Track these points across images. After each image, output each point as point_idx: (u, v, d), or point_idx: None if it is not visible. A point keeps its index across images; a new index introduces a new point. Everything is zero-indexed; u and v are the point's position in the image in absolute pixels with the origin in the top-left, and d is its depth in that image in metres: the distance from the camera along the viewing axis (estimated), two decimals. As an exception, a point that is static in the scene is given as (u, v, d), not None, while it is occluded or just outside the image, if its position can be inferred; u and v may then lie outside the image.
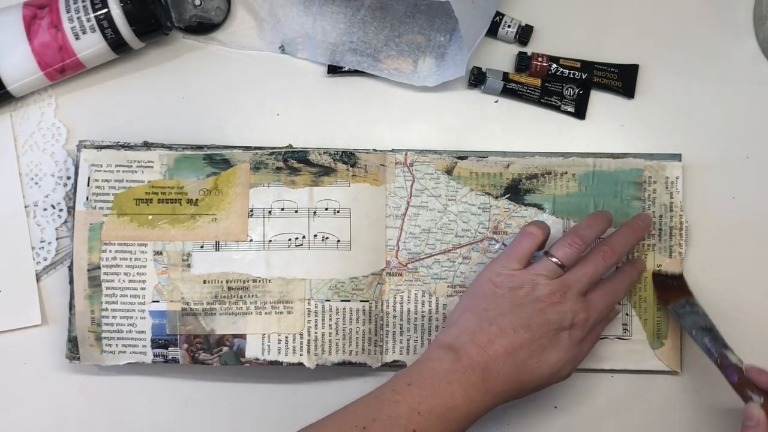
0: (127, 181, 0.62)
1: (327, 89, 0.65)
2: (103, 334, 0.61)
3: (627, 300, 0.63)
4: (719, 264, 0.64)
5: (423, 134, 0.65)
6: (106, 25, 0.60)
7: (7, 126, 0.64)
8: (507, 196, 0.63)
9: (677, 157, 0.63)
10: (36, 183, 0.63)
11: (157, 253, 0.61)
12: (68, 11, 0.60)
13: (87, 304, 0.61)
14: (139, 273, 0.61)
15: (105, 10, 0.60)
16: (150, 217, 0.61)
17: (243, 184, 0.62)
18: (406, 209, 0.63)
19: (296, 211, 0.62)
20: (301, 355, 0.61)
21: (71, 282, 0.61)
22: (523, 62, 0.64)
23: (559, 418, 0.63)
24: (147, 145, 0.62)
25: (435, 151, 0.63)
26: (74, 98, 0.65)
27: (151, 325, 0.61)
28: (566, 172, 0.63)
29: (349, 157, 0.62)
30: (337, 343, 0.61)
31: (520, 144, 0.65)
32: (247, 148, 0.62)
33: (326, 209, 0.62)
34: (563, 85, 0.65)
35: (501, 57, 0.66)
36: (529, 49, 0.65)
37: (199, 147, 0.62)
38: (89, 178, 0.61)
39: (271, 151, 0.62)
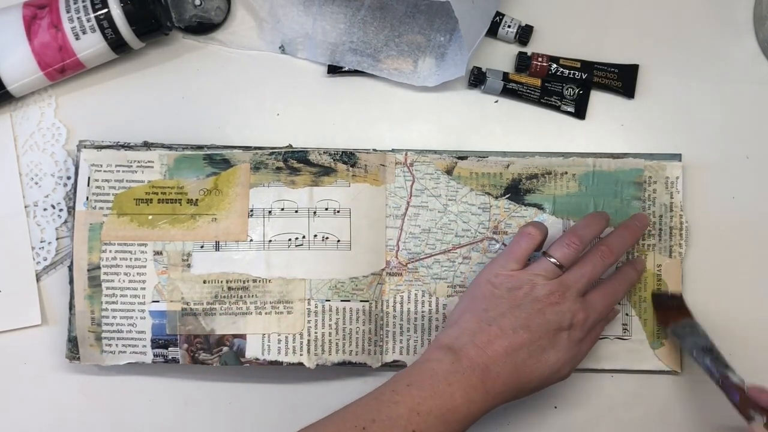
0: (127, 181, 0.62)
1: (327, 89, 0.65)
2: (103, 334, 0.61)
3: (627, 300, 0.63)
4: (719, 264, 0.64)
5: (423, 134, 0.65)
6: (106, 25, 0.60)
7: (7, 126, 0.64)
8: (507, 196, 0.63)
9: (677, 157, 0.63)
10: (36, 183, 0.64)
11: (157, 253, 0.61)
12: (68, 11, 0.60)
13: (87, 304, 0.61)
14: (139, 273, 0.61)
15: (105, 10, 0.60)
16: (150, 217, 0.61)
17: (243, 184, 0.62)
18: (406, 209, 0.63)
19: (296, 211, 0.62)
20: (301, 355, 0.61)
21: (71, 282, 0.61)
22: (523, 62, 0.64)
23: (559, 418, 0.63)
24: (147, 145, 0.62)
25: (435, 151, 0.63)
26: (74, 98, 0.65)
27: (151, 325, 0.61)
28: (566, 172, 0.63)
29: (349, 157, 0.62)
30: (337, 343, 0.61)
31: (520, 144, 0.65)
32: (247, 148, 0.62)
33: (326, 209, 0.62)
34: (563, 85, 0.65)
35: (501, 57, 0.66)
36: (529, 49, 0.65)
37: (199, 147, 0.62)
38: (89, 178, 0.61)
39: (271, 151, 0.62)
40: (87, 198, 0.61)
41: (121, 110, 0.65)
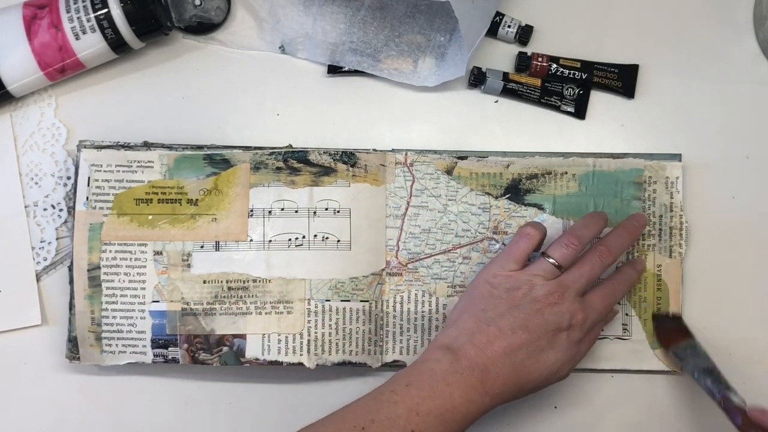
0: (127, 181, 0.62)
1: (327, 89, 0.65)
2: (103, 334, 0.61)
3: (627, 300, 0.63)
4: (719, 264, 0.64)
5: (423, 134, 0.65)
6: (106, 25, 0.60)
7: (7, 126, 0.64)
8: (507, 196, 0.63)
9: (677, 157, 0.63)
10: (36, 183, 0.64)
11: (157, 253, 0.61)
12: (68, 11, 0.60)
13: (87, 304, 0.61)
14: (139, 273, 0.61)
15: (105, 10, 0.60)
16: (150, 217, 0.61)
17: (243, 184, 0.62)
18: (406, 209, 0.63)
19: (296, 211, 0.62)
20: (301, 355, 0.61)
21: (71, 282, 0.61)
22: (523, 62, 0.64)
23: (559, 418, 0.63)
24: (147, 145, 0.62)
25: (435, 151, 0.63)
26: (74, 98, 0.65)
27: (151, 325, 0.61)
28: (566, 172, 0.63)
29: (349, 157, 0.62)
30: (337, 343, 0.61)
31: (520, 144, 0.65)
32: (247, 148, 0.62)
33: (326, 209, 0.62)
34: (563, 85, 0.65)
35: (501, 57, 0.66)
36: (529, 49, 0.65)
37: (199, 147, 0.62)
38: (89, 178, 0.61)
39: (271, 151, 0.62)
40: (87, 198, 0.61)
41: (121, 110, 0.65)
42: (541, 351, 0.54)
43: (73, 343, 0.61)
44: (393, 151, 0.63)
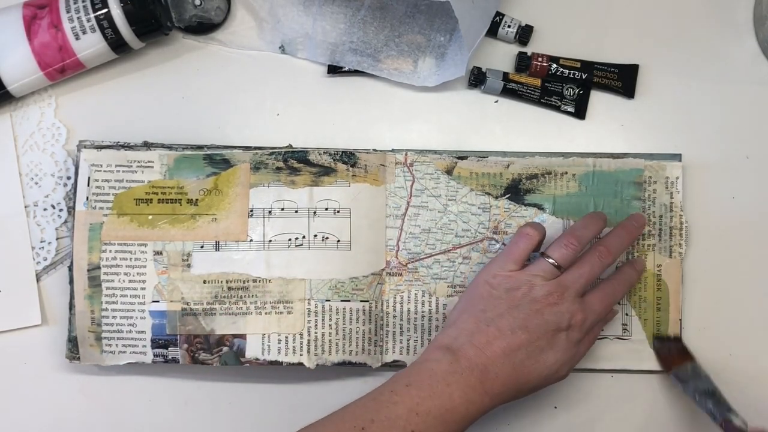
0: (127, 181, 0.62)
1: (327, 89, 0.65)
2: (103, 334, 0.61)
3: (627, 300, 0.63)
4: (719, 264, 0.64)
5: (423, 134, 0.65)
6: (106, 25, 0.60)
7: (7, 126, 0.64)
8: (507, 196, 0.63)
9: (677, 157, 0.63)
10: (36, 183, 0.64)
11: (157, 253, 0.61)
12: (68, 11, 0.60)
13: (87, 304, 0.61)
14: (139, 273, 0.61)
15: (105, 10, 0.60)
16: (150, 217, 0.61)
17: (243, 184, 0.62)
18: (406, 209, 0.63)
19: (296, 211, 0.62)
20: (301, 355, 0.61)
21: (71, 282, 0.61)
22: (523, 62, 0.64)
23: (559, 418, 0.63)
24: (147, 145, 0.62)
25: (435, 151, 0.63)
26: (74, 98, 0.65)
27: (151, 325, 0.61)
28: (566, 172, 0.63)
29: (349, 157, 0.62)
30: (337, 343, 0.61)
31: (520, 144, 0.65)
32: (247, 148, 0.62)
33: (326, 209, 0.62)
34: (563, 85, 0.65)
35: (501, 57, 0.66)
36: (529, 49, 0.65)
37: (199, 147, 0.62)
38: (89, 178, 0.61)
39: (271, 151, 0.62)
40: (87, 198, 0.61)
41: (121, 110, 0.65)
42: (541, 351, 0.54)
43: (73, 343, 0.61)
44: (393, 151, 0.63)
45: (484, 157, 0.63)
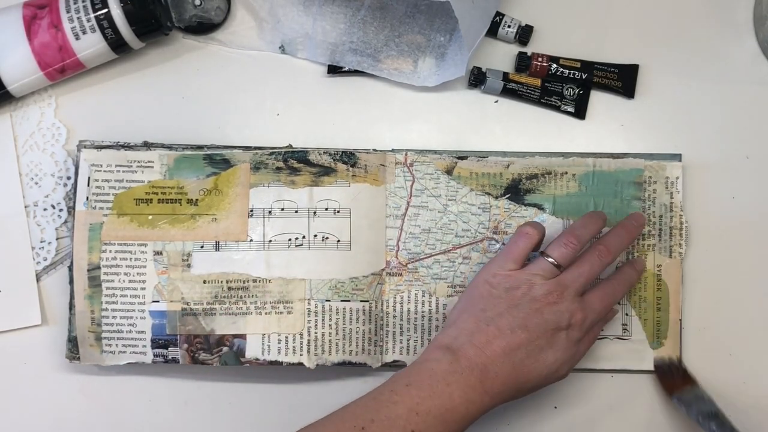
0: (127, 181, 0.62)
1: (327, 89, 0.65)
2: (103, 334, 0.61)
3: (627, 300, 0.63)
4: (719, 264, 0.64)
5: (423, 134, 0.65)
6: (106, 25, 0.60)
7: (7, 126, 0.64)
8: (507, 196, 0.63)
9: (677, 157, 0.63)
10: (36, 183, 0.64)
11: (157, 253, 0.61)
12: (68, 11, 0.60)
13: (87, 304, 0.61)
14: (139, 273, 0.61)
15: (105, 10, 0.60)
16: (150, 217, 0.62)
17: (243, 184, 0.62)
18: (406, 209, 0.63)
19: (296, 211, 0.62)
20: (301, 355, 0.61)
21: (71, 282, 0.61)
22: (523, 62, 0.64)
23: (559, 418, 0.63)
24: (147, 145, 0.62)
25: (435, 151, 0.63)
26: (74, 98, 0.65)
27: (151, 325, 0.61)
28: (566, 172, 0.63)
29: (349, 157, 0.62)
30: (337, 343, 0.61)
31: (520, 144, 0.65)
32: (247, 148, 0.62)
33: (326, 209, 0.62)
34: (563, 85, 0.65)
35: (501, 57, 0.66)
36: (529, 49, 0.65)
37: (199, 147, 0.62)
38: (89, 178, 0.62)
39: (271, 151, 0.62)
40: (87, 198, 0.61)
41: (121, 110, 0.65)
42: (541, 350, 0.54)
43: (73, 343, 0.61)
44: (393, 151, 0.63)
45: (484, 157, 0.63)
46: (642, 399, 0.63)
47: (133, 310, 0.61)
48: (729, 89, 0.65)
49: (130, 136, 0.63)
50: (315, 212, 0.62)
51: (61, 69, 0.61)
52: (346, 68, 0.65)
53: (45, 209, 0.63)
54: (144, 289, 0.61)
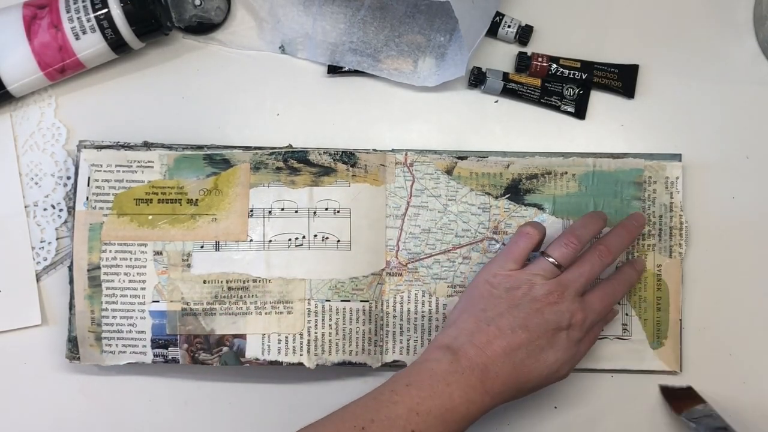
0: (127, 181, 0.62)
1: (327, 89, 0.65)
2: (103, 334, 0.61)
3: (627, 300, 0.63)
4: (719, 264, 0.64)
5: (423, 134, 0.65)
6: (106, 25, 0.60)
7: (7, 126, 0.64)
8: (507, 196, 0.63)
9: (677, 157, 0.63)
10: (36, 183, 0.64)
11: (157, 253, 0.61)
12: (68, 11, 0.60)
13: (87, 304, 0.61)
14: (139, 273, 0.61)
15: (105, 10, 0.60)
16: (150, 217, 0.61)
17: (243, 184, 0.62)
18: (406, 209, 0.63)
19: (296, 211, 0.62)
20: (301, 355, 0.61)
21: (71, 282, 0.61)
22: (523, 62, 0.64)
23: (559, 418, 0.63)
24: (147, 145, 0.62)
25: (435, 151, 0.63)
26: (74, 98, 0.65)
27: (151, 325, 0.61)
28: (566, 172, 0.63)
29: (349, 157, 0.62)
30: (337, 343, 0.61)
31: (520, 144, 0.65)
32: (247, 148, 0.62)
33: (326, 209, 0.62)
34: (563, 85, 0.65)
35: (501, 57, 0.66)
36: (529, 49, 0.65)
37: (199, 147, 0.62)
38: (89, 178, 0.61)
39: (271, 151, 0.62)
40: (87, 198, 0.61)
41: (121, 110, 0.65)
42: (541, 350, 0.54)
43: (73, 343, 0.61)
44: (393, 151, 0.63)
45: (484, 157, 0.63)
46: (642, 399, 0.63)
47: (133, 310, 0.61)
48: (729, 89, 0.65)
49: (130, 136, 0.63)
50: (315, 212, 0.62)
51: (61, 69, 0.61)
52: (346, 68, 0.65)
53: (45, 209, 0.63)
54: (144, 289, 0.61)
